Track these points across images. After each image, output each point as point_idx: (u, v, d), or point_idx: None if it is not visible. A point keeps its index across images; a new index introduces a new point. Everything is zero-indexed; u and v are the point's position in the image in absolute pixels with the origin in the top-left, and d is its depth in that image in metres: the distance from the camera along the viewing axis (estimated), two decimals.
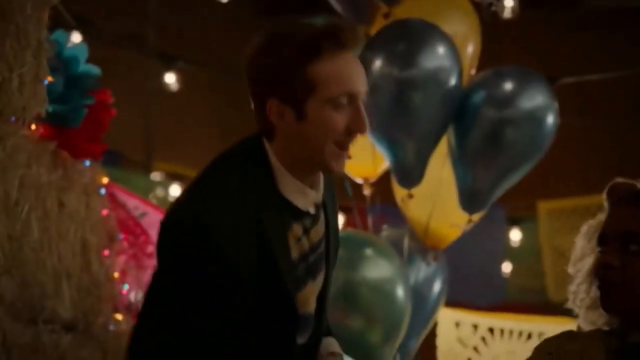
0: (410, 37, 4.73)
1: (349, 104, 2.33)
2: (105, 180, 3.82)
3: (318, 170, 2.40)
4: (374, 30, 5.03)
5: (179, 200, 2.35)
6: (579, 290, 2.54)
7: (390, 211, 5.48)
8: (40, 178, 3.45)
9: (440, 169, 4.99)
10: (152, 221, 4.13)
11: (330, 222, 2.47)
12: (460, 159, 4.90)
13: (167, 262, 2.31)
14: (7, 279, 3.27)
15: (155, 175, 9.33)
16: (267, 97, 2.33)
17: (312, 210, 2.40)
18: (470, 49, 5.13)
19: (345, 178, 5.22)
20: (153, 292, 2.32)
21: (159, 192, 8.14)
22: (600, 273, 2.41)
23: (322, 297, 2.46)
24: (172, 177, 9.05)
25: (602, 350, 2.43)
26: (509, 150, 4.82)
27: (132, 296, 3.92)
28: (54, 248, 3.48)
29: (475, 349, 7.83)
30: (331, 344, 2.52)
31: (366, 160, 5.11)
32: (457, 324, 7.75)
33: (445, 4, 5.16)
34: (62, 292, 3.47)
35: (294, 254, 2.35)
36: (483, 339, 7.81)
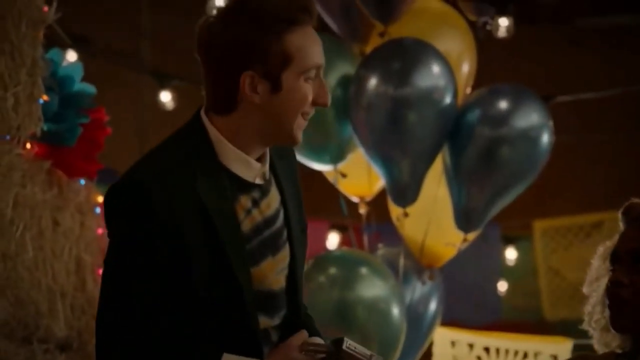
0: (405, 56, 4.74)
1: (315, 77, 2.35)
2: (100, 199, 3.81)
3: (277, 143, 2.40)
4: (369, 49, 5.04)
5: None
6: (594, 312, 2.53)
7: (386, 230, 5.47)
8: (35, 197, 3.44)
9: (435, 187, 4.98)
10: None
11: (287, 197, 2.44)
12: (456, 178, 4.90)
13: (111, 231, 2.31)
14: (1, 298, 3.26)
15: None
16: (241, 70, 2.30)
17: (258, 181, 2.37)
18: (466, 68, 5.13)
19: (340, 196, 5.22)
20: (105, 267, 2.32)
21: None
22: (610, 290, 2.41)
23: (292, 277, 2.43)
24: None
25: None
26: (504, 169, 4.82)
27: None
28: (48, 267, 3.47)
29: None
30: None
31: (361, 178, 5.11)
32: (453, 343, 7.71)
33: (440, 23, 5.17)
34: (57, 311, 3.46)
35: (245, 227, 2.33)
36: (479, 358, 7.78)
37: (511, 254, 9.50)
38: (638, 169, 10.02)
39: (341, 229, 7.81)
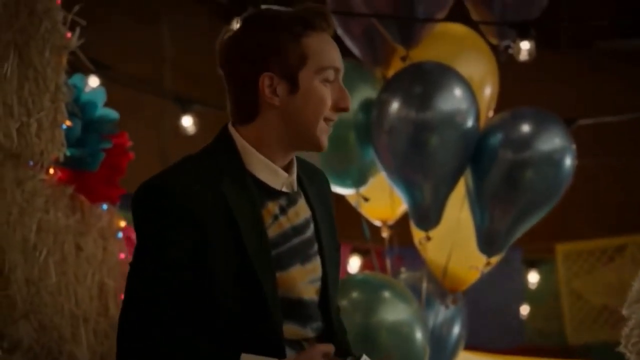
0: (427, 80, 4.74)
1: (333, 81, 2.40)
2: (122, 223, 3.81)
3: (302, 148, 2.43)
4: (391, 73, 5.04)
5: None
6: (632, 335, 2.51)
7: (408, 253, 5.45)
8: (58, 222, 3.44)
9: (458, 211, 4.97)
10: None
11: (318, 216, 2.47)
12: (478, 201, 4.88)
13: (137, 232, 2.33)
14: (25, 324, 3.26)
15: None
16: (260, 72, 2.36)
17: (286, 189, 2.41)
18: (488, 91, 5.13)
19: (362, 220, 5.21)
20: (131, 267, 2.34)
21: None
22: None
23: (325, 292, 2.44)
24: None
25: None
26: (527, 192, 4.80)
27: None
28: (71, 292, 3.47)
29: None
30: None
31: (384, 202, 5.10)
32: None
33: (462, 47, 5.17)
34: (80, 337, 3.46)
35: (272, 232, 2.36)
36: None
37: (533, 277, 9.47)
38: None
39: (363, 252, 7.80)
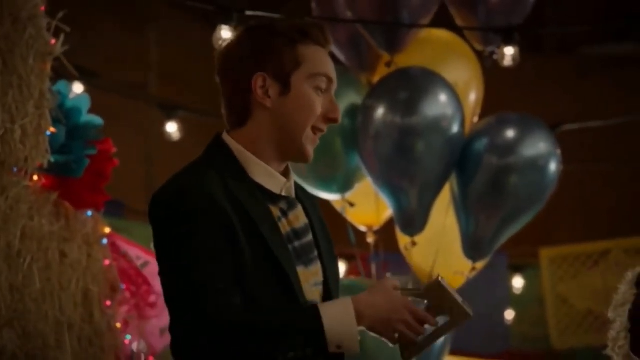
0: (412, 86, 4.75)
1: (325, 91, 2.43)
2: (107, 230, 3.81)
3: (288, 157, 2.45)
4: (376, 79, 5.05)
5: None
6: (619, 337, 2.52)
7: (394, 259, 5.46)
8: (42, 229, 3.43)
9: (443, 216, 4.98)
10: (154, 271, 4.09)
11: (316, 228, 2.49)
12: (463, 207, 4.89)
13: (170, 237, 2.32)
14: (9, 331, 3.25)
15: None
16: (254, 72, 2.40)
17: (284, 193, 2.43)
18: (473, 97, 5.14)
19: (348, 225, 5.21)
20: (174, 274, 2.31)
21: None
22: (634, 314, 2.40)
23: (328, 297, 2.46)
24: None
25: None
26: (512, 198, 4.81)
27: (135, 346, 3.89)
28: (55, 298, 3.46)
29: None
30: None
31: (369, 208, 5.10)
32: None
33: (447, 52, 5.18)
34: (64, 343, 3.45)
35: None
36: None
37: (518, 282, 9.49)
38: None
39: (348, 258, 7.80)
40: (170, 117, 7.39)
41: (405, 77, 4.81)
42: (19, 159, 3.32)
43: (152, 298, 4.01)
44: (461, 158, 4.82)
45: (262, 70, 2.39)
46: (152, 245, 2.39)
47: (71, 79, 4.35)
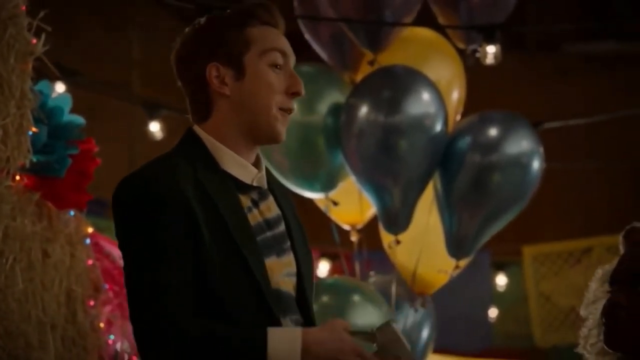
0: (395, 84, 4.75)
1: (283, 67, 2.42)
2: (90, 230, 3.79)
3: (259, 140, 2.44)
4: (359, 77, 5.05)
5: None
6: (590, 335, 2.54)
7: (378, 257, 5.46)
8: (24, 229, 3.42)
9: (427, 214, 4.98)
10: None
11: (289, 219, 2.49)
12: (447, 205, 4.89)
13: (130, 225, 2.32)
14: None
15: None
16: (206, 64, 2.40)
17: (256, 183, 2.43)
18: (455, 95, 5.14)
19: (332, 224, 5.21)
20: (131, 263, 2.33)
21: None
22: (608, 310, 2.42)
23: (301, 291, 2.46)
24: None
25: None
26: (495, 196, 4.82)
27: (118, 346, 3.88)
28: (38, 299, 3.44)
29: None
30: None
31: (353, 206, 5.10)
32: None
33: (429, 51, 5.18)
34: (47, 343, 3.43)
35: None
36: None
37: (501, 280, 9.51)
38: (627, 195, 10.06)
39: (332, 257, 7.81)
40: (153, 117, 7.36)
41: (388, 76, 4.81)
42: (0, 159, 3.31)
43: None
44: (444, 156, 4.83)
45: (213, 60, 2.39)
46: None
47: (53, 78, 4.34)
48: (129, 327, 3.89)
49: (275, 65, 2.41)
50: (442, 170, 4.87)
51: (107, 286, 3.87)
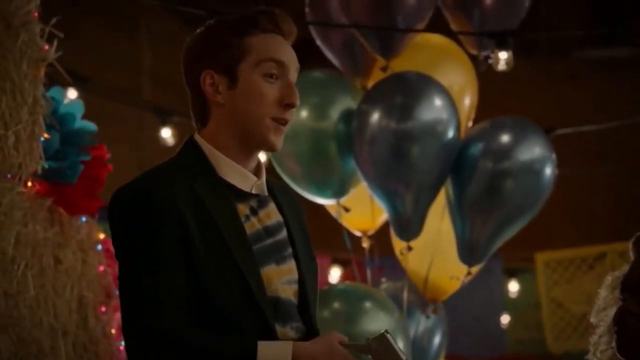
0: (407, 90, 4.74)
1: (279, 77, 2.39)
2: (101, 236, 3.80)
3: (256, 148, 2.43)
4: (371, 83, 5.04)
5: None
6: (600, 342, 2.53)
7: (389, 263, 5.45)
8: (36, 235, 3.43)
9: (439, 221, 4.97)
10: None
11: (292, 227, 2.48)
12: (459, 211, 4.88)
13: (124, 236, 2.32)
14: (3, 337, 3.24)
15: None
16: (202, 70, 2.40)
17: (255, 191, 2.42)
18: (467, 101, 5.14)
19: (343, 230, 5.21)
20: (125, 273, 2.33)
21: None
22: (619, 318, 2.41)
23: (304, 298, 2.45)
24: None
25: None
26: (507, 202, 4.80)
27: None
28: (50, 305, 3.45)
29: None
30: None
31: (365, 212, 5.10)
32: None
33: (442, 57, 5.18)
34: (59, 350, 3.44)
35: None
36: None
37: (514, 286, 9.50)
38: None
39: (343, 263, 7.79)
40: (165, 123, 7.39)
41: (401, 82, 4.80)
42: (12, 166, 3.31)
43: None
44: (456, 163, 4.82)
45: (209, 68, 2.38)
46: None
47: (65, 85, 4.35)
48: None
49: (270, 76, 2.38)
50: (454, 177, 4.85)
51: (118, 292, 3.87)
